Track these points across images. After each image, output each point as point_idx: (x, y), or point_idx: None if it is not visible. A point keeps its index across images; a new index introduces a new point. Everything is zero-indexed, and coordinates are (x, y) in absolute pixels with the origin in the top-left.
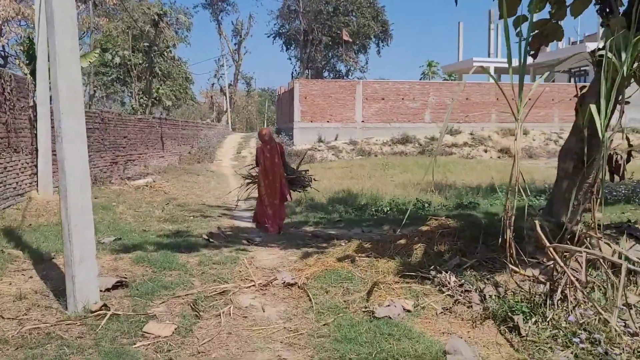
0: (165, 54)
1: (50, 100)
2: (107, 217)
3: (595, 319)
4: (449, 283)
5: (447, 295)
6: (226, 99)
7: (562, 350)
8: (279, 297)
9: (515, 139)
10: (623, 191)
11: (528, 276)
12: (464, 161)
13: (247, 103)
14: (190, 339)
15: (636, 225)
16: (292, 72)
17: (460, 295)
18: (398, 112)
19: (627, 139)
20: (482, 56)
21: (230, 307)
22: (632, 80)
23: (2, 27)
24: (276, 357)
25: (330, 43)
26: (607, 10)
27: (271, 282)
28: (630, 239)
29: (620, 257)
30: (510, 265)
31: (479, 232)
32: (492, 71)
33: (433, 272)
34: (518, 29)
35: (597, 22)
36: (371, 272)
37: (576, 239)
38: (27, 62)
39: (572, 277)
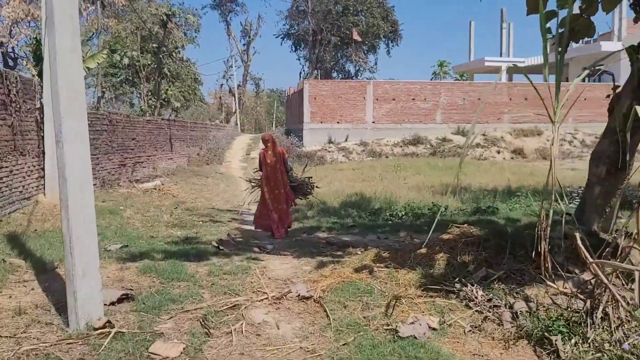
0: (174, 54)
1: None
2: (114, 222)
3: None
4: (476, 297)
5: (475, 311)
6: (235, 100)
7: None
8: (294, 312)
9: (552, 144)
10: None
11: (565, 292)
12: (477, 162)
13: (255, 104)
14: None
15: None
16: (301, 73)
17: (489, 312)
18: (409, 113)
19: None
20: (494, 55)
21: (242, 324)
22: None
23: (12, 29)
24: None
25: (339, 43)
26: None
27: (285, 295)
28: None
29: None
30: (547, 281)
31: (505, 241)
32: (503, 71)
33: (458, 285)
34: (547, 25)
35: (609, 20)
36: (391, 284)
37: (619, 251)
38: (35, 63)
39: (616, 295)
